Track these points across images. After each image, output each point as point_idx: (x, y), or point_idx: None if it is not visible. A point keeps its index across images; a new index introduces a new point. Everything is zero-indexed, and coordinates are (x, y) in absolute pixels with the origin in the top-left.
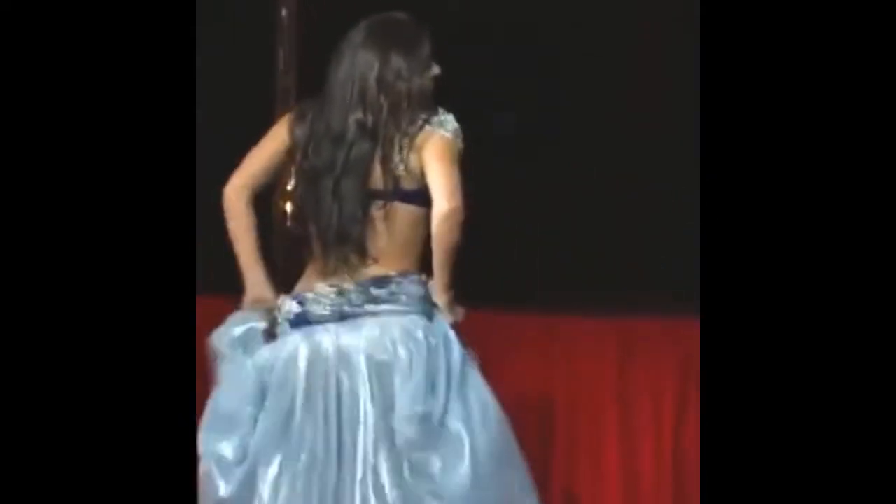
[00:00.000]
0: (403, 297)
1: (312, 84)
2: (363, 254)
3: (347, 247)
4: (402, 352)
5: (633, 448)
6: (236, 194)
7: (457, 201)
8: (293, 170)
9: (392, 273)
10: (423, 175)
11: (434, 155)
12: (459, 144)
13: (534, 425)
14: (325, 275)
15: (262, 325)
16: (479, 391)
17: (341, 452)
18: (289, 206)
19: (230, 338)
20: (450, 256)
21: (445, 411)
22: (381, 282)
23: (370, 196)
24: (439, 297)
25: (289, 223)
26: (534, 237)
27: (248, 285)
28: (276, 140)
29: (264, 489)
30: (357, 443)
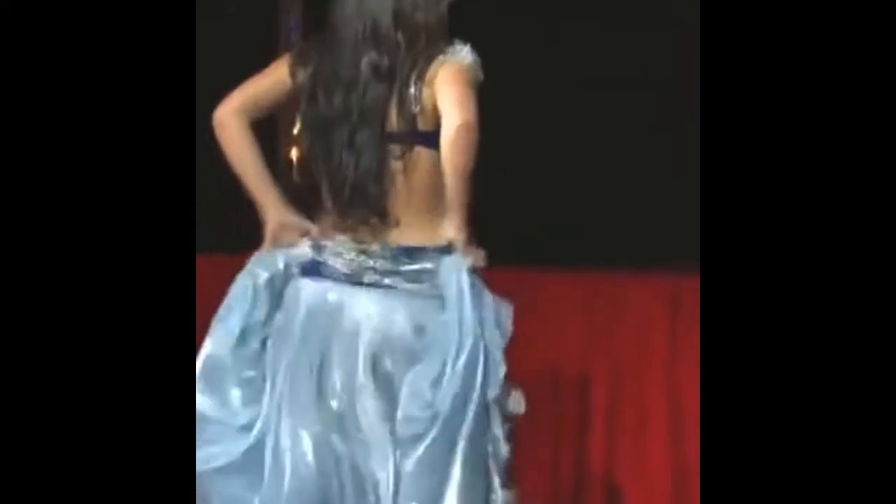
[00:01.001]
0: (429, 277)
1: (316, 25)
2: (384, 214)
3: (366, 207)
4: (417, 339)
5: (682, 424)
6: (229, 117)
7: (469, 115)
8: (298, 117)
9: (426, 245)
10: (437, 112)
11: (446, 79)
12: (478, 74)
13: (573, 397)
14: (343, 230)
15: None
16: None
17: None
18: (295, 154)
19: (257, 284)
20: (464, 182)
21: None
22: (414, 254)
23: (388, 140)
24: (456, 234)
25: (295, 177)
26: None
27: (266, 212)
28: (275, 75)
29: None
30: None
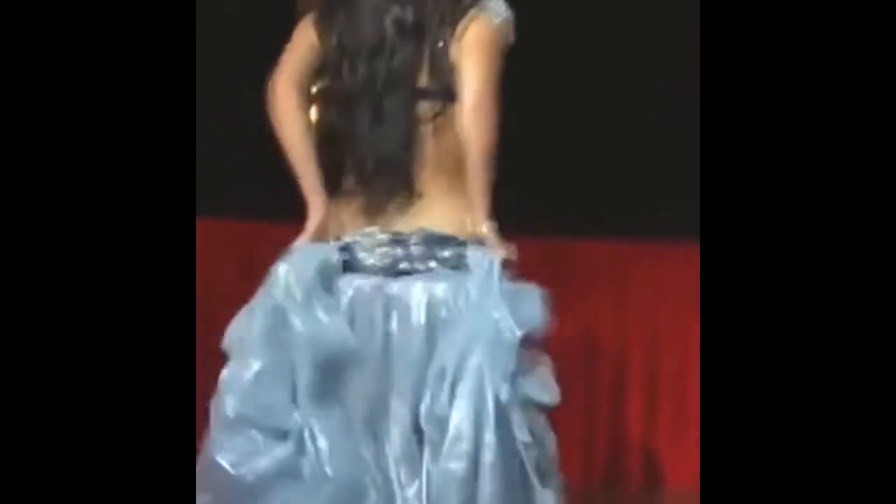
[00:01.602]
0: (471, 268)
1: None
2: (411, 185)
3: (394, 177)
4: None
5: None
6: (286, 92)
7: (487, 93)
8: (316, 86)
9: (461, 237)
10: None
11: (473, 41)
12: (508, 36)
13: (608, 367)
14: (367, 214)
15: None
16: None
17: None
18: (313, 114)
19: (306, 280)
20: (487, 162)
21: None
22: (449, 243)
23: (420, 98)
24: (484, 224)
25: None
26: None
27: (310, 208)
28: (306, 39)
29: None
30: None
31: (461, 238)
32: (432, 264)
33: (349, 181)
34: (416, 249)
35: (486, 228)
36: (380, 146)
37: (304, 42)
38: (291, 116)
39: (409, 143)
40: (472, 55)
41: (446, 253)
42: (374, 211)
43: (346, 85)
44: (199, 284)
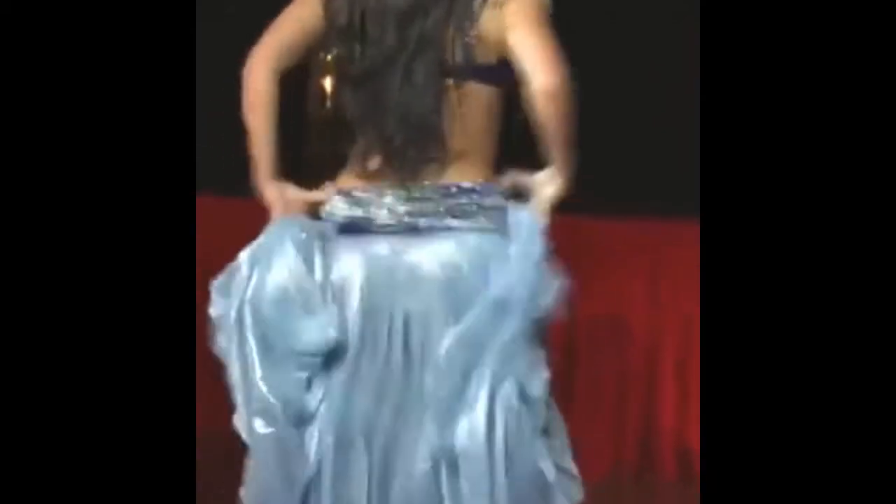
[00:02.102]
0: (486, 213)
1: None
2: (445, 149)
3: (429, 143)
4: (476, 276)
5: None
6: (262, 74)
7: (558, 74)
8: (332, 54)
9: (471, 183)
10: (499, 45)
11: (521, 17)
12: (550, 7)
13: (640, 352)
14: (381, 175)
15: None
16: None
17: (405, 404)
18: (328, 83)
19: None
20: (567, 135)
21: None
22: (460, 191)
23: (447, 68)
24: (554, 191)
25: (327, 104)
26: None
27: (268, 202)
28: (298, 14)
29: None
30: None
31: (486, 186)
32: (447, 221)
33: (368, 145)
34: (429, 206)
35: (552, 190)
36: (413, 110)
37: (294, 18)
38: (262, 100)
39: (440, 106)
40: (525, 35)
41: (461, 202)
42: (391, 172)
43: (370, 55)
44: (199, 262)
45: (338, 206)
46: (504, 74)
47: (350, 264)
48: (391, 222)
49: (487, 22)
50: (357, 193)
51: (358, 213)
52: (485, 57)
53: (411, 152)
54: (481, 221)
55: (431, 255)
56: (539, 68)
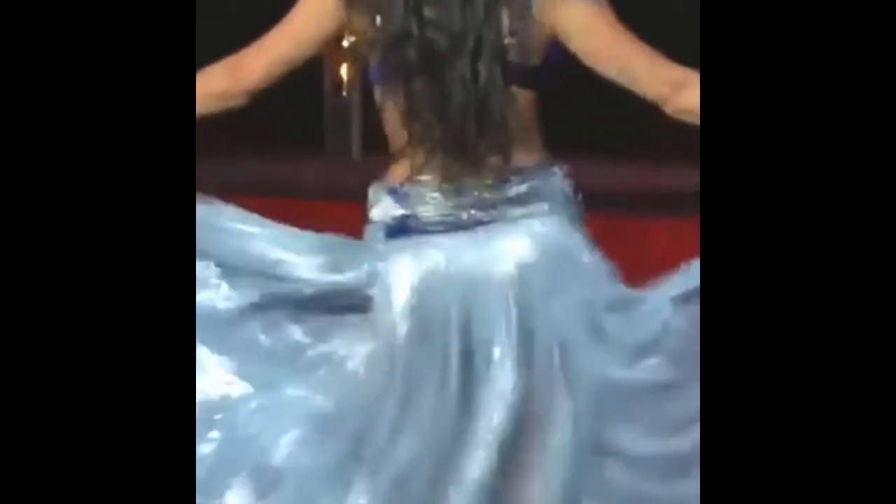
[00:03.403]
0: (548, 196)
1: None
2: (508, 136)
3: (491, 133)
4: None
5: None
6: (259, 78)
7: (682, 73)
8: (365, 45)
9: (526, 164)
10: (545, 46)
11: (596, 31)
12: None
13: None
14: (436, 169)
15: None
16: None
17: (468, 433)
18: (345, 71)
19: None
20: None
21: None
22: (517, 176)
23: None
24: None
25: (344, 92)
26: None
27: None
28: (316, 10)
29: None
30: (492, 420)
31: (531, 167)
32: (504, 209)
33: (429, 140)
34: (483, 198)
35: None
36: (482, 98)
37: (302, 24)
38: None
39: (506, 96)
40: (620, 55)
41: (519, 189)
42: (459, 167)
43: (427, 45)
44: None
45: (384, 205)
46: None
47: (399, 275)
48: (438, 219)
49: (535, 31)
50: (403, 190)
51: (405, 211)
52: (525, 57)
53: (482, 144)
54: (545, 202)
55: (500, 254)
56: (656, 84)
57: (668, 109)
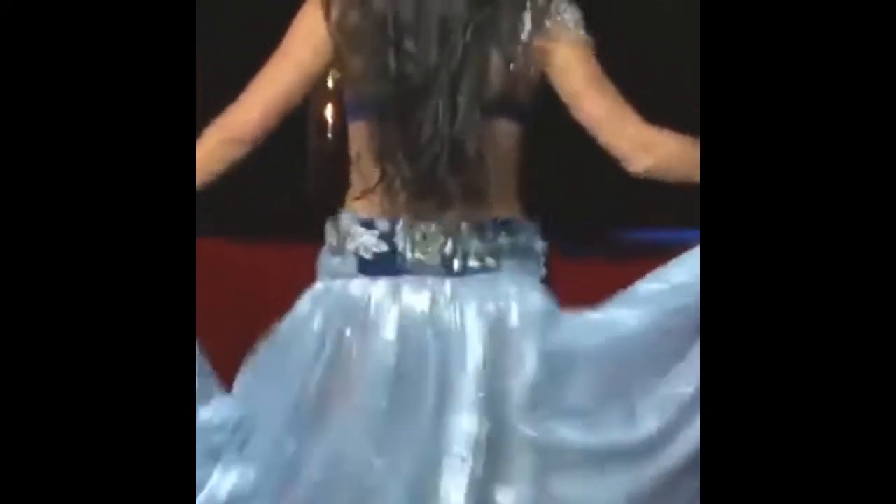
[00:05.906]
0: (525, 254)
1: None
2: (485, 179)
3: (466, 173)
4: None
5: None
6: (221, 151)
7: (658, 149)
8: (334, 81)
9: (512, 216)
10: (536, 83)
11: (581, 77)
12: (592, 46)
13: None
14: (410, 208)
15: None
16: None
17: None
18: (330, 113)
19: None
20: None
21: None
22: (504, 227)
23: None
24: None
25: (329, 135)
26: None
27: None
28: (305, 46)
29: None
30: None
31: (517, 219)
32: (491, 262)
33: (400, 177)
34: (474, 246)
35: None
36: (458, 135)
37: (300, 52)
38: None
39: (482, 132)
40: (597, 107)
41: (506, 242)
42: (432, 207)
43: (408, 69)
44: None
45: (363, 238)
46: (528, 114)
47: (374, 322)
48: (427, 261)
49: (529, 66)
50: (384, 224)
51: (387, 248)
52: (518, 92)
53: (452, 183)
54: (523, 259)
55: (475, 304)
56: (633, 153)
57: (629, 168)
